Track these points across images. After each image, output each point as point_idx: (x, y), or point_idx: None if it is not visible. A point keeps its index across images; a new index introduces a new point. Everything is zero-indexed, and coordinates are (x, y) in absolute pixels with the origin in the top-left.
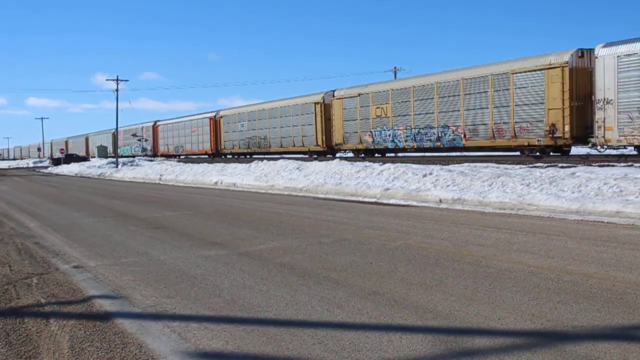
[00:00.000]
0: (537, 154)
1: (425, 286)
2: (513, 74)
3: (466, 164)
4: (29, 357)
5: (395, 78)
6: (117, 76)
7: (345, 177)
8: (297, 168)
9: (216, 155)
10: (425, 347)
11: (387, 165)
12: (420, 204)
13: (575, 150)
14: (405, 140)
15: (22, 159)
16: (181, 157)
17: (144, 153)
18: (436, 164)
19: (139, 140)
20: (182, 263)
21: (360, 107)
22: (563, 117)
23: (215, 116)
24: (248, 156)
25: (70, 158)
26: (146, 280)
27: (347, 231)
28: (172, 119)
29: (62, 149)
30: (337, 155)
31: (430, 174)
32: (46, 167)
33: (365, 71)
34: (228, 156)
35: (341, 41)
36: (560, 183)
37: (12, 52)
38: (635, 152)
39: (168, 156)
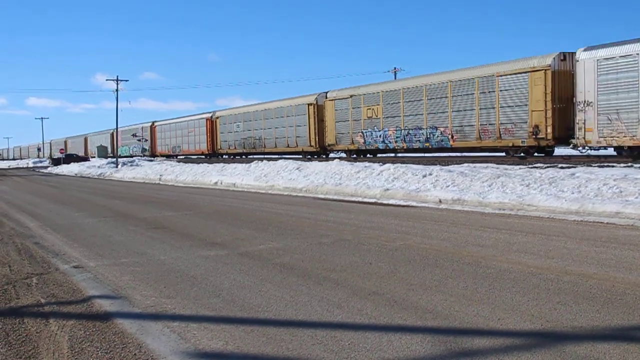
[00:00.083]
0: (522, 154)
1: (424, 286)
2: (498, 76)
3: (466, 165)
4: (29, 357)
5: (395, 78)
6: (117, 76)
7: (345, 177)
8: (297, 168)
9: (212, 155)
10: (425, 347)
11: (387, 165)
12: (420, 205)
13: (559, 151)
14: (395, 141)
15: (21, 159)
16: (178, 157)
17: (144, 153)
18: (436, 164)
19: (139, 140)
20: (182, 263)
21: (352, 108)
22: (546, 118)
23: (211, 117)
24: (244, 156)
25: (70, 158)
26: (146, 280)
27: (346, 231)
28: (169, 119)
29: (62, 149)
30: (330, 155)
31: (430, 174)
32: (46, 167)
33: (365, 71)
34: (224, 156)
35: (341, 41)
36: (560, 184)
37: (12, 52)
38: (614, 153)
39: (165, 156)
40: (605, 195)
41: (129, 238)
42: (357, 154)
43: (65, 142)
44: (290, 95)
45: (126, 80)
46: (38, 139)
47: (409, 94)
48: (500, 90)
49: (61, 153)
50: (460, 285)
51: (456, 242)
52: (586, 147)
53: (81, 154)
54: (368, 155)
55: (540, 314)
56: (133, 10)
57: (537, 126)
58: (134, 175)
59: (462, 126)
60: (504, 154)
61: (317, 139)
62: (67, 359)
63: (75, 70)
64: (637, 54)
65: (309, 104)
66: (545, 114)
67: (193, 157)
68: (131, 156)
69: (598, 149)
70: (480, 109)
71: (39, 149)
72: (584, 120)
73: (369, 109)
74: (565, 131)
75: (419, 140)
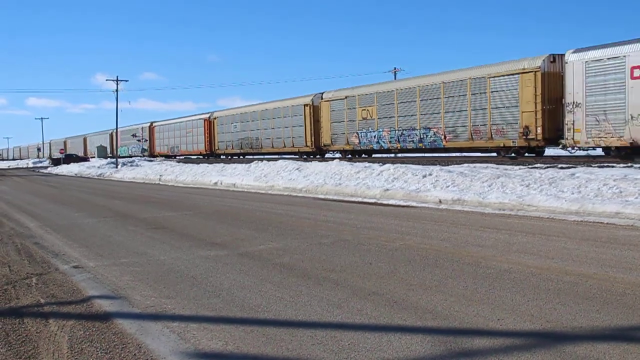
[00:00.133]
0: (513, 154)
1: (424, 287)
2: (490, 78)
3: (466, 165)
4: (28, 357)
5: (395, 79)
6: (117, 76)
7: (345, 177)
8: (297, 168)
9: (210, 155)
10: (425, 347)
11: (387, 165)
12: (419, 205)
13: (549, 151)
14: (390, 142)
15: (21, 159)
16: (177, 157)
17: (143, 154)
18: (435, 164)
19: (139, 140)
20: (181, 263)
21: (347, 109)
22: (536, 119)
23: (209, 117)
24: (241, 156)
25: (70, 158)
26: (146, 280)
27: (346, 232)
28: (167, 120)
29: (62, 149)
30: (326, 156)
31: (430, 174)
32: (46, 167)
33: (365, 72)
34: (222, 156)
35: (341, 41)
36: (560, 184)
37: (12, 52)
38: (602, 153)
39: (163, 156)
40: (605, 196)
41: (128, 238)
42: (352, 154)
43: (65, 143)
44: (291, 95)
45: (126, 81)
46: (38, 139)
47: (403, 95)
48: (492, 92)
49: (61, 153)
50: (460, 286)
51: (456, 243)
52: (575, 148)
53: (80, 154)
54: (363, 156)
55: (540, 314)
56: (133, 10)
57: (527, 127)
58: (133, 176)
59: (454, 127)
60: (495, 154)
61: (313, 140)
62: (66, 359)
63: (75, 70)
64: (624, 56)
65: (305, 105)
66: (535, 115)
67: (192, 157)
68: (130, 156)
69: (587, 150)
70: (472, 109)
71: (38, 149)
72: (573, 121)
73: (364, 109)
74: (555, 132)
75: (413, 141)
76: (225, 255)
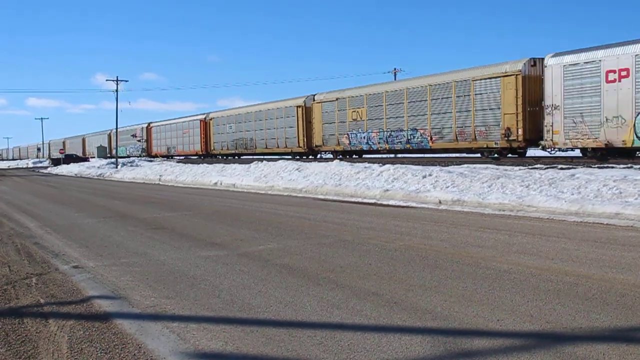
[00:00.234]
0: (496, 155)
1: (424, 287)
2: (473, 80)
3: (465, 165)
4: (28, 357)
5: (395, 79)
6: (117, 77)
7: (345, 178)
8: (297, 169)
9: (206, 156)
10: (424, 348)
11: (387, 166)
12: (419, 205)
13: (531, 152)
14: (379, 143)
15: (21, 159)
16: (174, 157)
17: (142, 154)
18: (435, 165)
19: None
20: (181, 264)
21: (338, 110)
22: (517, 121)
23: (205, 118)
24: (236, 157)
25: (69, 158)
26: (145, 280)
27: (346, 232)
28: (164, 120)
29: (62, 150)
30: (318, 156)
31: (430, 175)
32: (46, 168)
33: (365, 72)
34: (217, 157)
35: (341, 42)
36: (560, 184)
37: (12, 52)
38: (580, 155)
39: (160, 157)
40: (604, 196)
41: (128, 238)
42: (343, 155)
43: (64, 143)
44: (291, 95)
45: (126, 81)
46: (38, 139)
47: (391, 97)
48: (475, 94)
49: (61, 153)
50: (459, 286)
51: (456, 243)
52: (555, 149)
53: (79, 154)
54: (354, 156)
55: (540, 315)
56: (133, 10)
57: (509, 128)
58: (133, 176)
59: (440, 128)
60: (479, 155)
61: (305, 140)
62: (66, 359)
63: (75, 71)
64: (600, 60)
65: (297, 106)
66: (517, 117)
67: (192, 157)
68: (129, 156)
69: (565, 150)
70: (457, 111)
71: (38, 149)
72: (552, 123)
73: (354, 111)
74: (535, 133)
75: (400, 142)
76: (225, 256)
